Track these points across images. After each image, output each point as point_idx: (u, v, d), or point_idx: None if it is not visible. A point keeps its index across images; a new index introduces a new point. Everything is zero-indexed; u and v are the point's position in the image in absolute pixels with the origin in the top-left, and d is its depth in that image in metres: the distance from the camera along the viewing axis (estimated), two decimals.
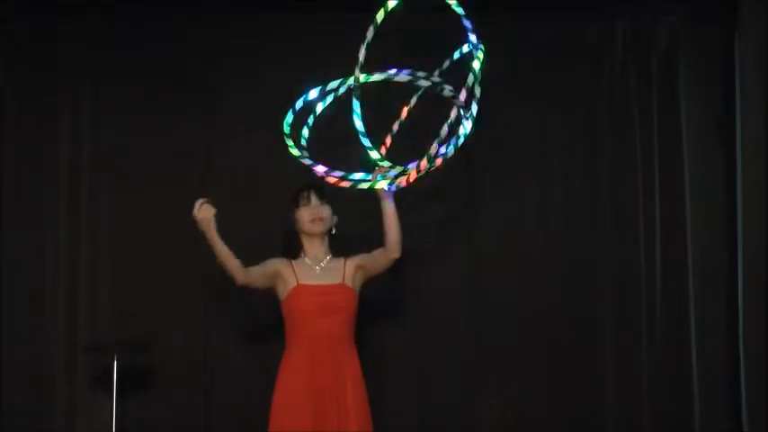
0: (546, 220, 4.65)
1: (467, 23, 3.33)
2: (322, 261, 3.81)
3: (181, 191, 4.43)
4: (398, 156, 3.72)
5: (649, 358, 4.56)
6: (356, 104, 3.28)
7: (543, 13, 4.67)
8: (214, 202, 3.55)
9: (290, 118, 3.43)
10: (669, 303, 4.59)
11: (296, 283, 3.74)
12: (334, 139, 3.93)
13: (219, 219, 3.58)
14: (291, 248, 3.83)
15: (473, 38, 3.34)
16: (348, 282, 3.78)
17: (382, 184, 3.44)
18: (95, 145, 4.69)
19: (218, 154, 4.70)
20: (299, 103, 3.39)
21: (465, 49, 3.56)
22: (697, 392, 4.56)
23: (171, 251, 4.61)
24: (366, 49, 3.22)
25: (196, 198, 3.61)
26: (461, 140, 3.39)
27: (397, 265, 3.86)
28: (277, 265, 3.79)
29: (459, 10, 3.33)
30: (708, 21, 4.72)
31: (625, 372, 4.57)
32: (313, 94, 3.37)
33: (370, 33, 3.23)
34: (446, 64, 3.71)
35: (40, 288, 4.65)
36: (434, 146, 3.26)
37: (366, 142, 3.38)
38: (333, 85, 3.36)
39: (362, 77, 3.26)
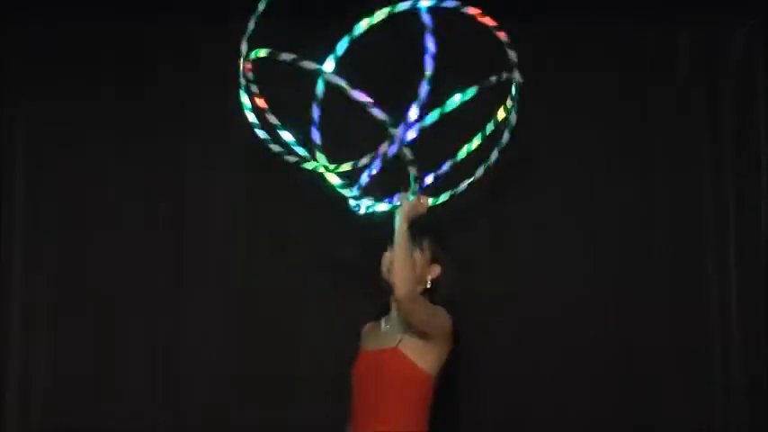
0: (593, 246, 4.16)
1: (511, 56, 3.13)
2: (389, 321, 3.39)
3: (142, 234, 4.04)
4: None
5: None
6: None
7: (597, 19, 4.18)
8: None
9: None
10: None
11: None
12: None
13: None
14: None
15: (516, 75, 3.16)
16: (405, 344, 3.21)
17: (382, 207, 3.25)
18: (31, 182, 4.11)
19: (187, 192, 4.17)
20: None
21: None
22: None
23: (126, 317, 4.05)
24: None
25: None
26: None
27: None
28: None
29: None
30: None
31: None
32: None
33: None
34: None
35: None
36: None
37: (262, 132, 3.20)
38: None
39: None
